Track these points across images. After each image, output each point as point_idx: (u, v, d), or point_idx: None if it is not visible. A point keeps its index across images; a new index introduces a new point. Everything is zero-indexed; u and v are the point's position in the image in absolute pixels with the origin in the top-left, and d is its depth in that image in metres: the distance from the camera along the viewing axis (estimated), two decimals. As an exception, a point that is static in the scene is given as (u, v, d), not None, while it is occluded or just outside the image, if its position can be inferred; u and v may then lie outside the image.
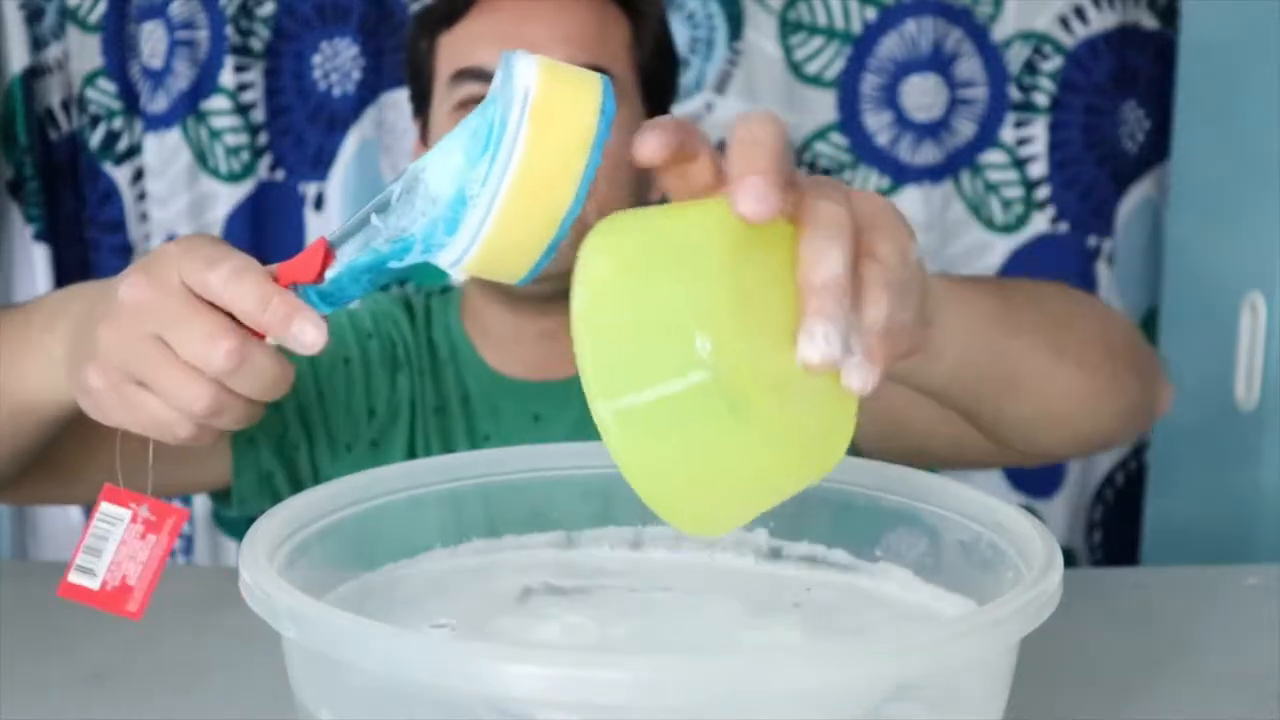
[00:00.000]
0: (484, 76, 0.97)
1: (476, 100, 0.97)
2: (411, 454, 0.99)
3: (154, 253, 0.57)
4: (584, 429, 1.00)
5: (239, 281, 0.53)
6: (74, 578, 0.60)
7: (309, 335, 0.52)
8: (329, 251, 0.52)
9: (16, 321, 0.72)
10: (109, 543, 0.60)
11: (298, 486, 0.97)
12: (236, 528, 1.59)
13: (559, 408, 0.99)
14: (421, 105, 1.05)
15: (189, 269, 0.54)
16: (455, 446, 1.00)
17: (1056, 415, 0.76)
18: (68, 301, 0.70)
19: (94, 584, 0.60)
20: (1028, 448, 0.81)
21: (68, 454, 0.80)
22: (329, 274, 0.52)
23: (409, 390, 1.01)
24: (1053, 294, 0.77)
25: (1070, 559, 1.61)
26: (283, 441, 0.97)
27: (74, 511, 1.60)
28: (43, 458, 0.79)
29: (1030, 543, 0.51)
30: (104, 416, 0.59)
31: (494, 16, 0.99)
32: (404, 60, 1.10)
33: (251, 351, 0.53)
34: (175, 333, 0.54)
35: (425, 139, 1.06)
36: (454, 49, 1.00)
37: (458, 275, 0.51)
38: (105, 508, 0.61)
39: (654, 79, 1.03)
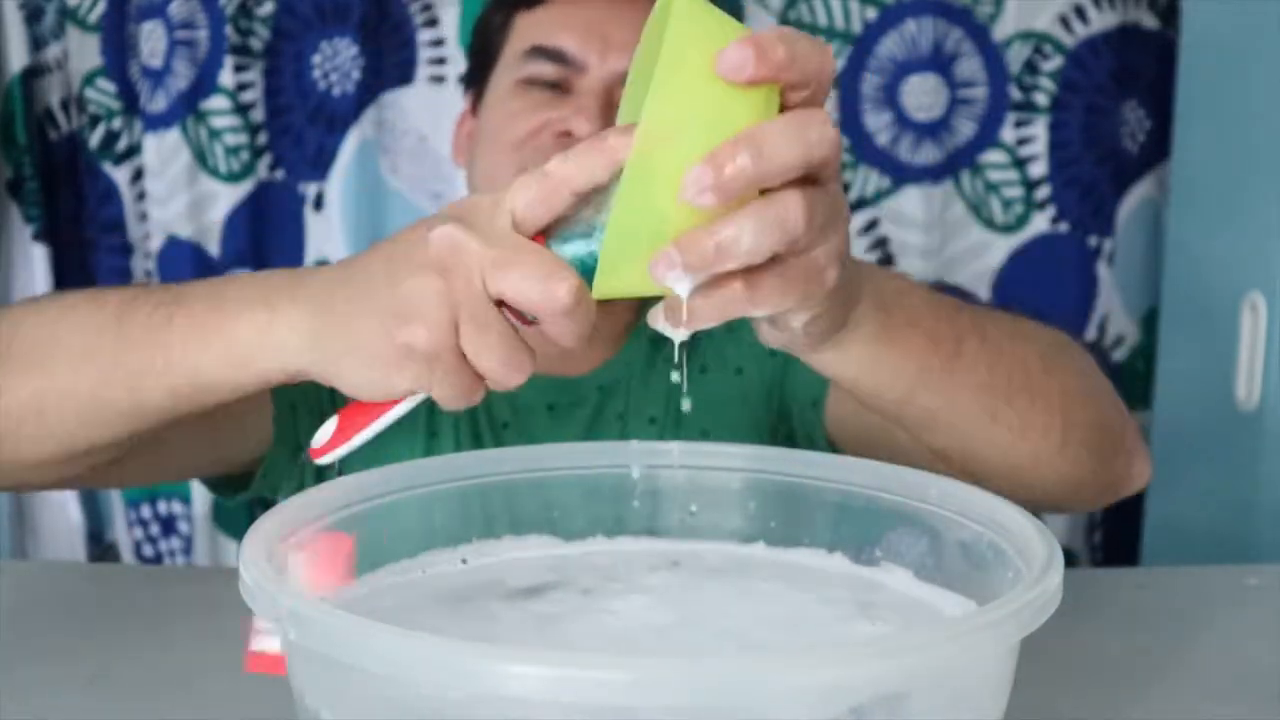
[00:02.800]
0: (558, 58, 1.00)
1: (543, 80, 1.00)
2: (438, 432, 0.99)
3: (443, 211, 0.56)
4: (596, 424, 1.01)
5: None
6: (258, 645, 0.53)
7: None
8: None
9: (195, 299, 0.65)
10: None
11: (321, 468, 0.97)
12: (237, 528, 1.59)
13: (573, 402, 1.00)
14: (477, 77, 1.07)
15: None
16: (479, 429, 1.00)
17: (981, 463, 0.72)
18: (279, 284, 0.62)
19: (278, 648, 0.52)
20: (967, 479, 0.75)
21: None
22: None
23: None
24: (1018, 352, 0.72)
25: (1070, 559, 1.61)
26: (321, 416, 0.97)
27: (74, 512, 1.60)
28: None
29: (1030, 543, 0.51)
30: (418, 383, 0.55)
31: (578, 7, 1.02)
32: (472, 30, 1.11)
33: (585, 296, 0.52)
34: (512, 281, 0.52)
35: (475, 110, 1.07)
36: (533, 27, 1.03)
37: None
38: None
39: None
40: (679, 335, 0.52)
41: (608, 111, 0.98)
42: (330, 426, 0.57)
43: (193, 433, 0.75)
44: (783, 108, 0.50)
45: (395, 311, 0.53)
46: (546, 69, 1.00)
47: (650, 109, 0.47)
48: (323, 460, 0.57)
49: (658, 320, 0.52)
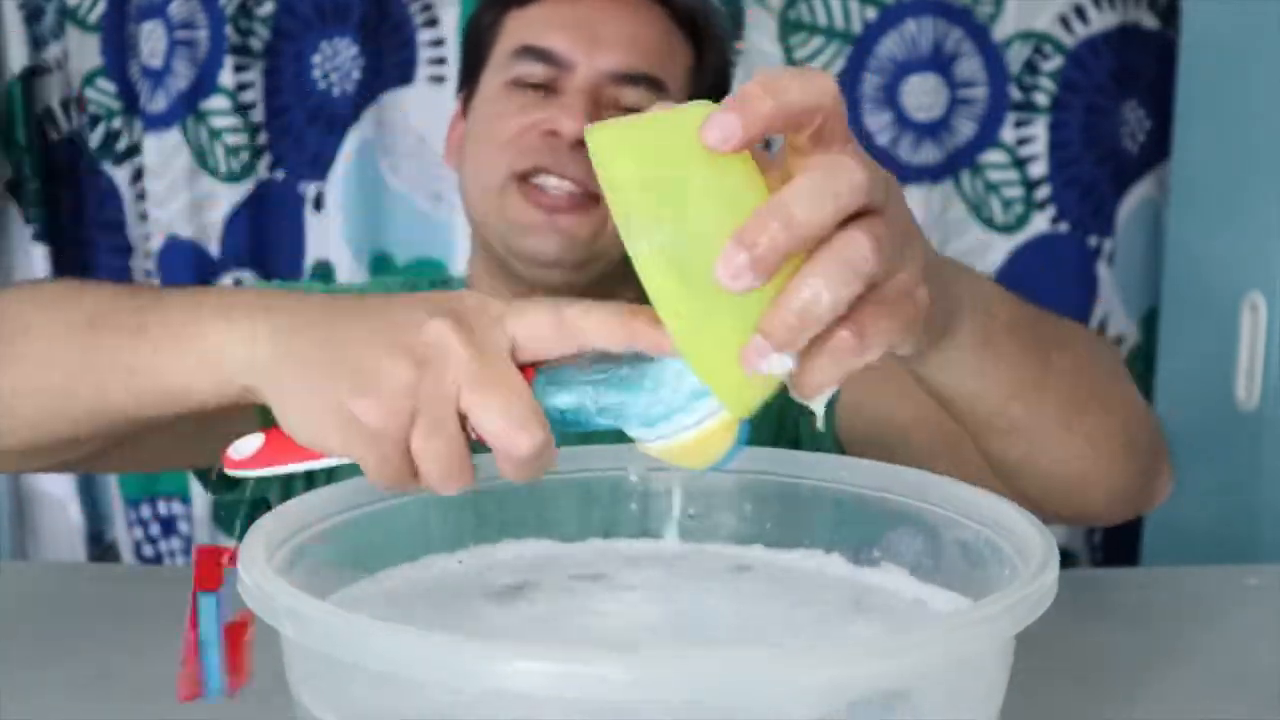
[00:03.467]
0: (545, 58, 0.99)
1: (531, 81, 0.99)
2: None
3: (443, 297, 0.54)
4: (623, 436, 1.00)
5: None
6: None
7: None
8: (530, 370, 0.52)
9: (171, 306, 0.63)
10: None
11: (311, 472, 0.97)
12: (236, 529, 1.58)
13: None
14: (468, 78, 1.06)
15: (511, 323, 0.52)
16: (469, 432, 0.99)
17: (1045, 477, 0.71)
18: (253, 299, 0.61)
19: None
20: (1010, 490, 0.72)
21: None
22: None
23: None
24: (1090, 360, 0.71)
25: (1070, 559, 1.61)
26: None
27: (74, 513, 1.60)
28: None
29: (1028, 540, 0.51)
30: (345, 449, 0.53)
31: (566, 6, 1.01)
32: (463, 32, 1.11)
33: (549, 448, 0.50)
34: (483, 408, 0.50)
35: (466, 113, 1.06)
36: (522, 27, 1.02)
37: (644, 448, 0.52)
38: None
39: None
40: (819, 406, 0.49)
41: (595, 111, 0.97)
42: (255, 443, 0.55)
43: (173, 432, 0.75)
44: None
45: (359, 380, 0.51)
46: (535, 69, 0.99)
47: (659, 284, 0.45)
48: (235, 473, 0.55)
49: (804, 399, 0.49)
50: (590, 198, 0.96)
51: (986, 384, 0.63)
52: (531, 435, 0.49)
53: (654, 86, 1.00)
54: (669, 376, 0.50)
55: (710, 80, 1.05)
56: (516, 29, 1.02)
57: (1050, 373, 0.65)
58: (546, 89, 0.99)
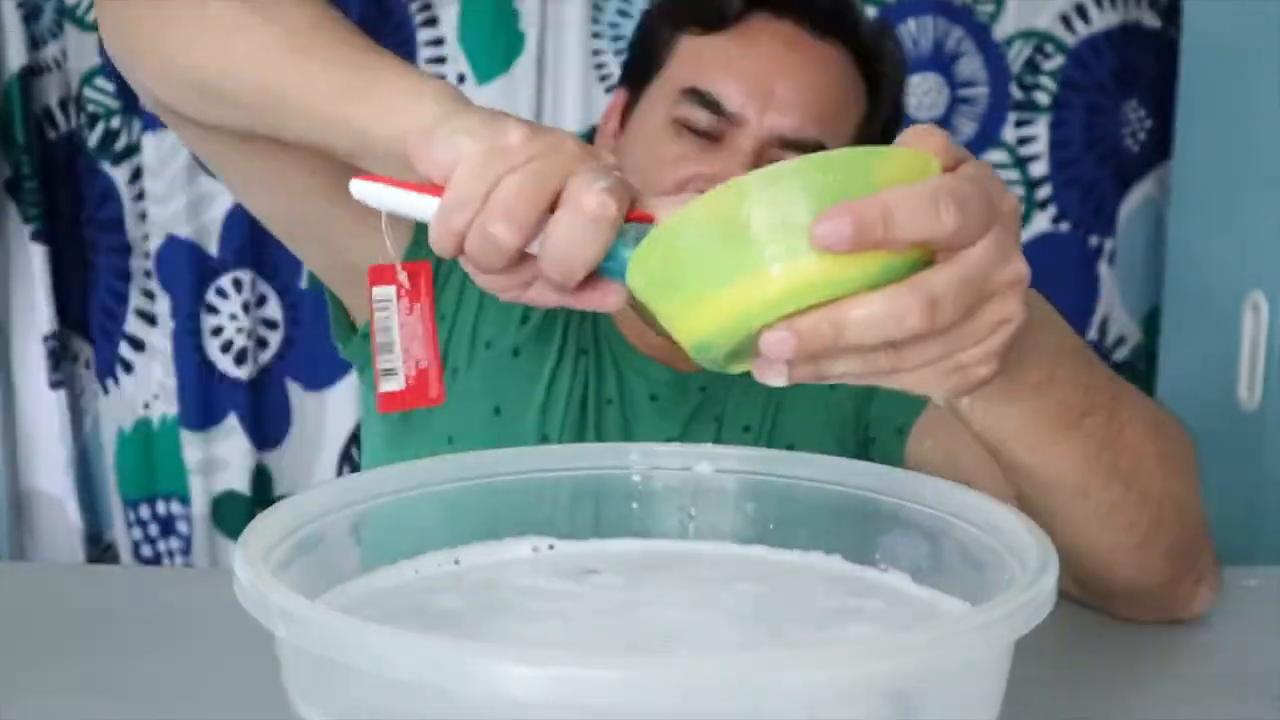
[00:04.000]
0: (714, 107, 0.94)
1: (692, 125, 0.94)
2: (551, 382, 0.98)
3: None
4: (693, 424, 0.99)
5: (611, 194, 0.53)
6: (385, 386, 0.60)
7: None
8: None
9: (355, 48, 0.67)
10: (392, 331, 0.60)
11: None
12: (235, 528, 1.58)
13: (675, 397, 0.98)
14: (635, 81, 1.01)
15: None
16: (586, 397, 0.98)
17: (1058, 536, 0.68)
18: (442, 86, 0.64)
19: (400, 384, 0.60)
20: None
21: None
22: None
23: (565, 322, 0.99)
24: (1139, 443, 0.68)
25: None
26: (444, 289, 0.97)
27: (72, 513, 1.60)
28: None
29: (1026, 545, 0.51)
30: (472, 151, 0.55)
31: (748, 49, 0.96)
32: (638, 27, 1.06)
33: (607, 229, 0.53)
34: (584, 173, 0.54)
35: (625, 122, 1.01)
36: (696, 60, 0.97)
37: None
38: (376, 291, 0.60)
39: None
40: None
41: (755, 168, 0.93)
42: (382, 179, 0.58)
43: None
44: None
45: (501, 134, 0.55)
46: (702, 116, 0.93)
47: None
48: (358, 193, 0.58)
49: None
50: None
51: (1004, 435, 0.63)
52: (615, 196, 0.52)
53: (818, 150, 0.95)
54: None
55: (879, 127, 1.00)
56: (691, 59, 0.97)
57: (1074, 436, 0.64)
58: (711, 137, 0.94)
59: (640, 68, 1.01)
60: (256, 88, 0.69)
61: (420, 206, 0.56)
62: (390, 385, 0.60)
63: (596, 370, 0.99)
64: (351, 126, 0.63)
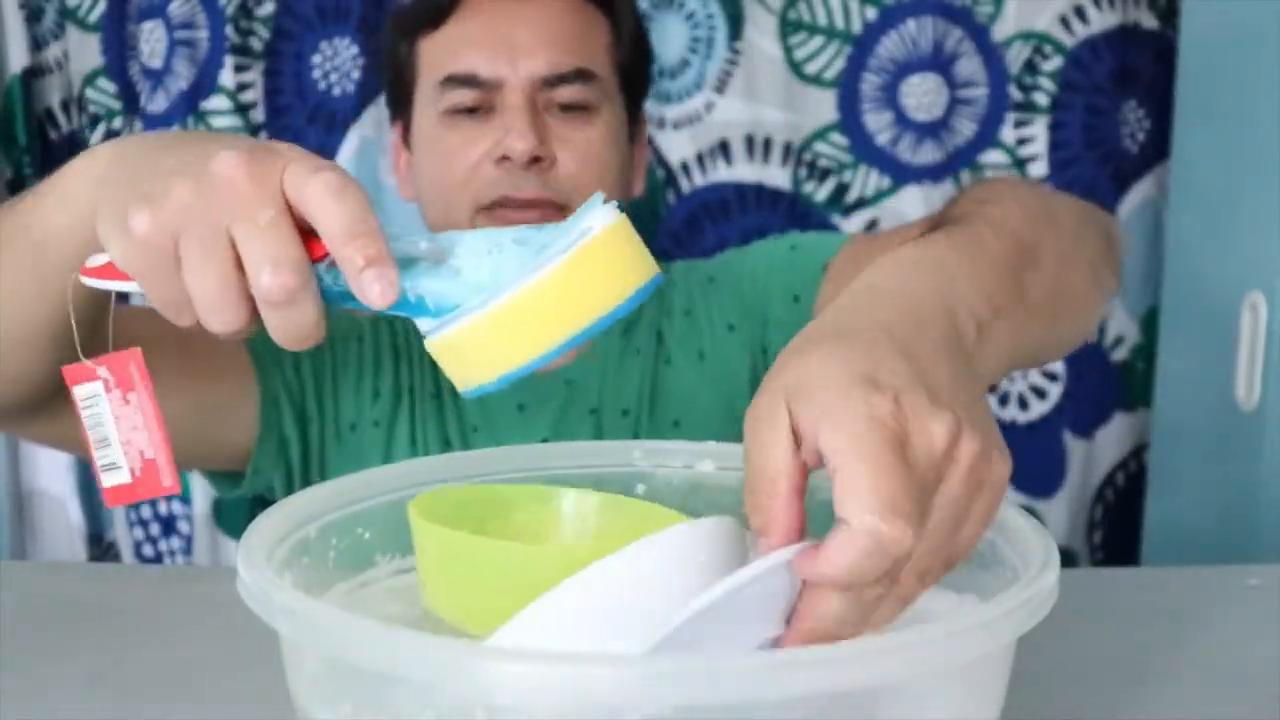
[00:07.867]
0: (472, 82, 0.98)
1: (464, 108, 0.98)
2: (413, 437, 1.01)
3: (267, 142, 0.54)
4: (564, 421, 1.01)
5: (340, 199, 0.50)
6: (108, 480, 0.58)
7: (375, 290, 0.50)
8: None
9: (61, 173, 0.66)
10: (105, 426, 0.59)
11: (305, 464, 0.99)
12: (236, 527, 1.59)
13: (542, 400, 1.01)
14: (400, 107, 1.06)
15: (296, 169, 0.51)
16: (448, 433, 1.01)
17: (1050, 355, 0.73)
18: (118, 141, 0.63)
19: (126, 477, 0.58)
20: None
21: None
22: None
23: (409, 377, 1.02)
24: (1058, 266, 0.67)
25: (1070, 559, 1.61)
26: (302, 411, 0.99)
27: (74, 513, 1.60)
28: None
29: (1028, 542, 0.51)
30: (123, 260, 0.54)
31: (477, 20, 1.00)
32: (381, 63, 1.10)
33: (303, 299, 0.51)
34: (246, 238, 0.50)
35: (407, 142, 1.07)
36: (439, 53, 1.01)
37: (428, 343, 0.53)
38: (77, 390, 0.59)
39: (632, 75, 1.06)
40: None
41: (535, 118, 0.97)
42: (104, 258, 0.57)
43: (180, 417, 0.75)
44: None
45: (144, 195, 0.53)
46: (465, 96, 0.98)
47: None
48: (87, 281, 0.57)
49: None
50: (556, 208, 0.96)
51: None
52: (282, 279, 0.50)
53: (584, 77, 0.99)
54: (466, 265, 0.52)
55: (629, 43, 1.05)
56: (434, 56, 1.01)
57: (1025, 308, 0.62)
58: (483, 110, 0.99)
59: (398, 91, 1.06)
60: None
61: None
62: (114, 479, 0.58)
63: (454, 404, 1.01)
64: (33, 238, 0.64)
